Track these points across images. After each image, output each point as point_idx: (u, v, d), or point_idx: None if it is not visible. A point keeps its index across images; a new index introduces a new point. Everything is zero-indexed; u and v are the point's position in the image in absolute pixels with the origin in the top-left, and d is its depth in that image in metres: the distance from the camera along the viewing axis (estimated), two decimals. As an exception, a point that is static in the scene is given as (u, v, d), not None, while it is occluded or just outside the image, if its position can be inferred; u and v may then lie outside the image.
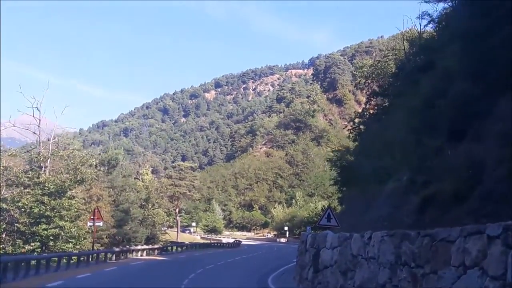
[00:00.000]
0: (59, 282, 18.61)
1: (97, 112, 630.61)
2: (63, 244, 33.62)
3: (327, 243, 17.46)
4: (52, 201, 33.45)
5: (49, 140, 36.87)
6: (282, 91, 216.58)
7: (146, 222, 58.18)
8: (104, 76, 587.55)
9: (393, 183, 20.61)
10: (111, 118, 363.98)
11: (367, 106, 48.53)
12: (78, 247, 35.06)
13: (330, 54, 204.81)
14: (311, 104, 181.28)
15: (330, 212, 22.37)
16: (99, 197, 49.34)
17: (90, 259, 30.62)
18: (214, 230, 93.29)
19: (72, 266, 27.24)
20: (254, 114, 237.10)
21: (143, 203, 59.96)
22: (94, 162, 41.69)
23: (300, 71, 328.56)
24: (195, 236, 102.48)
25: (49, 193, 33.87)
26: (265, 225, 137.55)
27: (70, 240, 34.52)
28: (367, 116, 44.41)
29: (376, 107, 40.81)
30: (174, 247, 54.50)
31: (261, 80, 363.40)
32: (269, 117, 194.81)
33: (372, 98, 46.16)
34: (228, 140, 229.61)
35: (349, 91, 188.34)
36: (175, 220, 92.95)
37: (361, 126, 44.62)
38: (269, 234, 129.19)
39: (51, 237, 33.09)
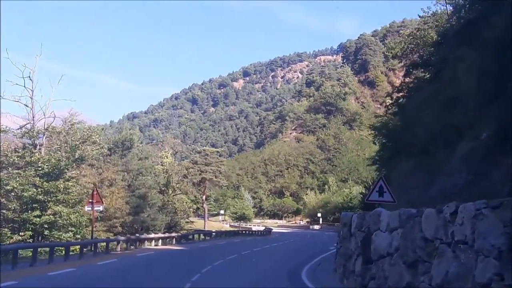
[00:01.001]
0: (11, 282, 13.54)
1: (127, 105, 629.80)
2: (60, 233, 28.79)
3: (382, 224, 12.47)
4: (45, 183, 28.47)
5: (44, 114, 31.91)
6: (312, 74, 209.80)
7: (166, 209, 53.31)
8: (134, 69, 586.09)
9: (468, 144, 15.29)
10: (141, 110, 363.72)
11: (406, 80, 44.90)
12: (79, 236, 30.24)
13: (361, 35, 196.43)
14: (342, 87, 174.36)
15: (383, 183, 16.69)
16: (111, 182, 44.59)
17: (91, 249, 25.93)
18: (243, 218, 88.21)
19: (69, 258, 22.54)
20: (283, 100, 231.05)
21: (163, 188, 55.11)
22: (97, 139, 36.64)
23: (329, 57, 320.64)
24: (224, 224, 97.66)
25: (42, 174, 28.98)
26: (297, 212, 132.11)
27: (69, 229, 29.67)
28: (406, 89, 40.32)
29: (415, 80, 36.00)
30: (197, 236, 49.41)
31: (290, 67, 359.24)
32: (298, 102, 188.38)
33: (411, 70, 42.28)
34: (257, 127, 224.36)
35: (382, 73, 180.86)
36: (202, 208, 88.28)
37: (401, 100, 39.36)
38: (301, 221, 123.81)
39: (45, 225, 28.22)
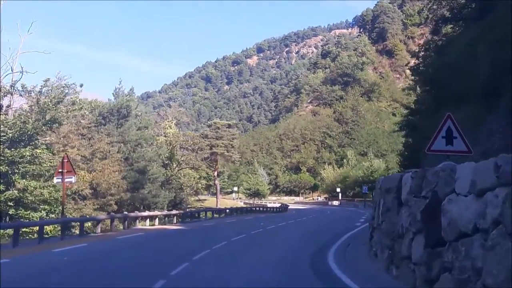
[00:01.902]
0: None
1: (142, 84, 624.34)
2: (28, 212, 23.60)
3: (461, 184, 7.33)
4: (7, 150, 23.17)
5: (12, 70, 26.38)
6: (327, 45, 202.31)
7: (170, 184, 48.04)
8: (149, 48, 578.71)
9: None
10: (155, 89, 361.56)
11: (434, 37, 40.01)
12: (54, 216, 25.00)
13: (378, 2, 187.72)
14: (359, 57, 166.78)
15: (452, 125, 10.97)
16: (105, 154, 39.31)
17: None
18: (257, 194, 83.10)
19: (25, 243, 17.43)
20: (299, 75, 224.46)
21: (166, 162, 49.73)
22: (76, 99, 31.15)
23: (344, 30, 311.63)
24: (238, 202, 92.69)
25: (6, 140, 23.70)
26: (314, 188, 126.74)
27: (42, 207, 24.48)
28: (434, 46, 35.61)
29: (444, 37, 30.59)
30: (203, 213, 44.13)
31: (304, 42, 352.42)
32: (314, 74, 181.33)
33: (441, 26, 37.45)
34: (272, 102, 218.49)
35: (400, 41, 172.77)
36: (214, 185, 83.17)
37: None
38: (319, 197, 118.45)
39: (10, 203, 23.04)
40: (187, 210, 45.23)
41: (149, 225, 30.23)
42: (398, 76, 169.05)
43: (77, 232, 24.09)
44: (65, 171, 21.15)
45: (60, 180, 21.29)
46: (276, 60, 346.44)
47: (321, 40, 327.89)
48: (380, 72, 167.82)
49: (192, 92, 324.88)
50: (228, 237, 20.08)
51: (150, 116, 57.63)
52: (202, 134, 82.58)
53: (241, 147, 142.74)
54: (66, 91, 29.05)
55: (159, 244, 19.12)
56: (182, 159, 52.96)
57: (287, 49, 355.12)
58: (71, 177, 21.46)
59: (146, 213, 31.61)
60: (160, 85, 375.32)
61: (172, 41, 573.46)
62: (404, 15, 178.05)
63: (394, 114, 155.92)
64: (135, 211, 33.15)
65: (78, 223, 23.74)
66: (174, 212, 36.74)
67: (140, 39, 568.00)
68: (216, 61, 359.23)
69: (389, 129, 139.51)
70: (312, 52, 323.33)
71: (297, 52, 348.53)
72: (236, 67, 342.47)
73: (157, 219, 32.21)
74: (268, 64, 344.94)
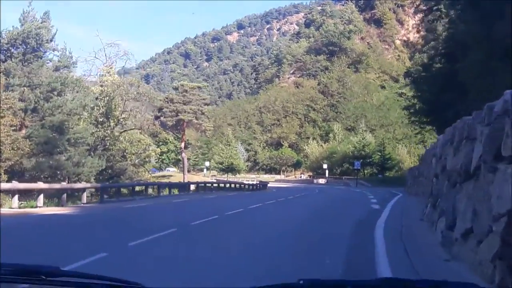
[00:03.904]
0: None
1: (118, 61, 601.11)
2: None
3: None
4: None
5: None
6: (311, 13, 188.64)
7: (106, 150, 35.03)
8: (123, 25, 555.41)
9: None
10: (132, 66, 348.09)
11: None
12: None
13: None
14: (346, 25, 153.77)
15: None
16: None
17: None
18: (231, 169, 70.36)
19: None
20: (280, 45, 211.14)
21: (101, 120, 36.47)
22: None
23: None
24: (210, 178, 79.80)
25: None
26: (297, 165, 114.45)
27: None
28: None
29: None
30: (152, 189, 31.44)
31: (286, 19, 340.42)
32: (297, 43, 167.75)
33: None
34: (252, 74, 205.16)
35: (389, 10, 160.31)
36: (181, 158, 70.42)
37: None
38: (302, 175, 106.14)
39: None
40: (111, 183, 32.11)
41: (36, 208, 17.48)
42: (387, 47, 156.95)
43: None
44: None
45: None
46: (257, 37, 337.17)
47: (303, 17, 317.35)
48: (368, 42, 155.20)
49: (170, 68, 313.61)
50: (131, 237, 7.77)
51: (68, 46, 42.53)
52: (167, 98, 69.36)
53: (217, 121, 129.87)
54: None
55: None
56: (122, 116, 39.33)
57: (268, 26, 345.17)
58: None
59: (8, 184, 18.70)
60: (137, 62, 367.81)
61: (152, 18, 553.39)
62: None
63: (383, 87, 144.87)
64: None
65: None
66: (80, 185, 23.31)
67: (117, 15, 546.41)
68: (195, 38, 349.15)
69: (378, 103, 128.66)
70: (294, 29, 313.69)
71: (278, 29, 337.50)
72: (216, 43, 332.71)
73: (42, 194, 19.19)
74: (249, 41, 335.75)
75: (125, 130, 40.03)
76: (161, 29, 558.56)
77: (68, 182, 26.17)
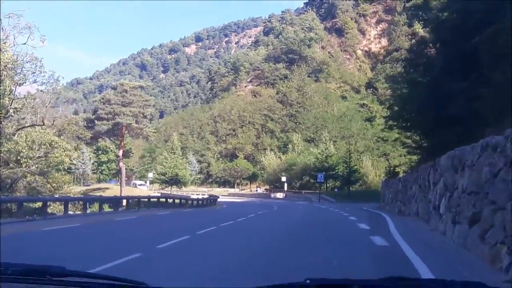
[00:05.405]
0: None
1: (72, 71, 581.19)
2: None
3: None
4: None
5: None
6: (271, 21, 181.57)
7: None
8: (80, 35, 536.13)
9: None
10: (86, 76, 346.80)
11: None
12: None
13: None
14: (307, 32, 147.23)
15: None
16: None
17: None
18: (176, 181, 61.09)
19: None
20: (238, 53, 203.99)
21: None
22: None
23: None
24: (154, 192, 70.23)
25: None
26: (253, 178, 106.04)
27: None
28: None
29: None
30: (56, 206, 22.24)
31: (244, 33, 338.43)
32: (255, 51, 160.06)
33: None
34: (207, 83, 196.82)
35: (351, 19, 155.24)
36: (118, 167, 60.79)
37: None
38: (258, 188, 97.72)
39: None
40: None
41: None
42: (348, 56, 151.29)
43: None
44: None
45: None
46: (215, 49, 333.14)
47: (263, 25, 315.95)
48: (329, 51, 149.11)
49: (125, 79, 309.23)
50: None
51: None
52: (103, 99, 59.84)
53: (168, 130, 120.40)
54: None
55: None
56: (14, 106, 29.13)
57: (226, 39, 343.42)
58: None
59: None
60: (91, 72, 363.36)
61: (107, 28, 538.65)
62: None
63: (344, 97, 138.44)
64: None
65: None
66: None
67: (72, 25, 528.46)
68: (152, 49, 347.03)
69: (339, 113, 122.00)
70: (252, 42, 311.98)
71: (236, 43, 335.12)
72: (173, 55, 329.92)
73: None
74: (206, 53, 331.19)
75: (22, 127, 30.53)
76: (117, 39, 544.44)
77: None
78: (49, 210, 26.42)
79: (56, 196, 29.92)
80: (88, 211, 26.68)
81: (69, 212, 23.30)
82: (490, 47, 18.29)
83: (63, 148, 32.83)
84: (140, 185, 76.78)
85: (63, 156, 32.29)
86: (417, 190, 20.84)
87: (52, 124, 33.42)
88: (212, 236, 12.72)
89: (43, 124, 31.42)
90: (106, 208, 29.68)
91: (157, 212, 26.09)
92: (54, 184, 33.81)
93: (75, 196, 34.45)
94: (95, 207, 31.76)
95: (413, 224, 17.20)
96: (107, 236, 13.10)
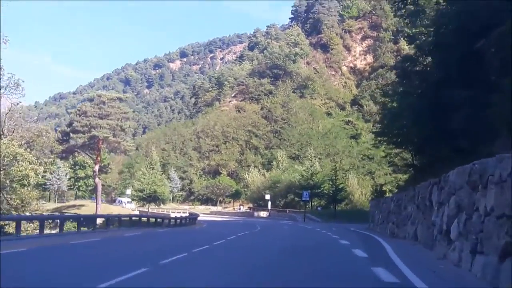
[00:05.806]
0: None
1: (55, 85, 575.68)
2: None
3: None
4: None
5: None
6: (256, 36, 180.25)
7: None
8: (64, 49, 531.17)
9: None
10: (69, 90, 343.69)
11: None
12: None
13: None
14: (292, 47, 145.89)
15: None
16: None
17: None
18: (154, 199, 58.33)
19: None
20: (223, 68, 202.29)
21: None
22: None
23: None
24: (131, 210, 67.10)
25: None
26: (236, 196, 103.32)
27: None
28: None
29: None
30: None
31: (229, 49, 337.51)
32: (240, 65, 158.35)
33: None
34: (191, 98, 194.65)
35: (337, 35, 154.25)
36: (94, 183, 57.88)
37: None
38: (241, 206, 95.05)
39: None
40: None
41: None
42: (333, 73, 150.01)
43: None
44: None
45: None
46: (200, 65, 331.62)
47: (248, 40, 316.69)
48: (314, 67, 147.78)
49: None
50: None
51: None
52: (79, 111, 57.15)
53: (149, 145, 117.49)
54: None
55: None
56: None
57: (211, 55, 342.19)
58: None
59: None
60: (75, 87, 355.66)
61: (91, 42, 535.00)
62: (341, 6, 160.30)
63: (329, 114, 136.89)
64: None
65: None
66: None
67: (57, 39, 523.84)
68: (136, 64, 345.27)
69: (324, 130, 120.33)
70: (236, 58, 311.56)
71: (221, 59, 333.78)
72: (157, 70, 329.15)
73: None
74: (191, 69, 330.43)
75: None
76: (101, 54, 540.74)
77: None
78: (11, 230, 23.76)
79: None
80: (46, 231, 23.91)
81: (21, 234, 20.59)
82: (498, 50, 16.29)
83: (28, 161, 30.20)
84: (128, 202, 73.64)
85: (28, 170, 29.66)
86: (414, 210, 18.75)
87: (12, 134, 30.77)
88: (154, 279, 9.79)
89: (2, 134, 28.81)
90: (70, 227, 26.90)
91: (124, 233, 23.48)
92: (18, 201, 31.10)
93: (31, 214, 31.65)
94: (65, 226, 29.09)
95: (414, 250, 14.95)
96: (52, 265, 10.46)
